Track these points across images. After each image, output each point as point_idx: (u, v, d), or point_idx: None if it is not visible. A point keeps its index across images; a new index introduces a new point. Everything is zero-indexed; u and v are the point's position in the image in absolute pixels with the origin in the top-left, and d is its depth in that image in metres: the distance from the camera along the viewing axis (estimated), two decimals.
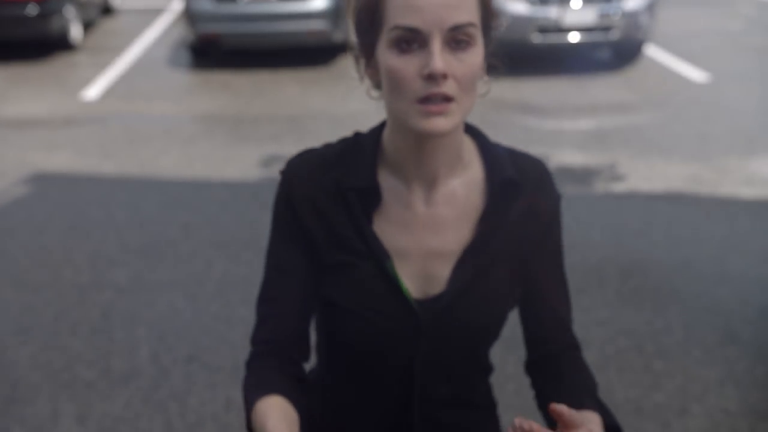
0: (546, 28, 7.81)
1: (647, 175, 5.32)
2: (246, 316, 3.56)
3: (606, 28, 7.84)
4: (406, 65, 1.07)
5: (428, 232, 1.20)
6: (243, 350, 3.22)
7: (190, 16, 8.29)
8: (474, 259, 1.19)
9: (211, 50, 8.67)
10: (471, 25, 1.06)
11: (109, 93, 7.73)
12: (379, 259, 1.18)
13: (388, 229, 1.20)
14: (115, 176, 5.52)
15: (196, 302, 3.76)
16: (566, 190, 5.01)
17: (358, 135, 1.24)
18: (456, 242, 1.20)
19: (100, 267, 4.15)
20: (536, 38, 7.83)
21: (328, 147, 1.23)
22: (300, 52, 8.72)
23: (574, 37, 7.84)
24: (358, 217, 1.18)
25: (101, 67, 8.61)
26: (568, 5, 7.75)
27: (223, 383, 3.13)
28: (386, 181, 1.20)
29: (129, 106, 7.31)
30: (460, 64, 1.07)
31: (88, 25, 10.22)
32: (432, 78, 1.05)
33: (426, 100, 1.07)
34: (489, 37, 1.14)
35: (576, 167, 5.46)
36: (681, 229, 4.48)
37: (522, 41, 7.77)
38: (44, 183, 5.40)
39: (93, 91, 7.74)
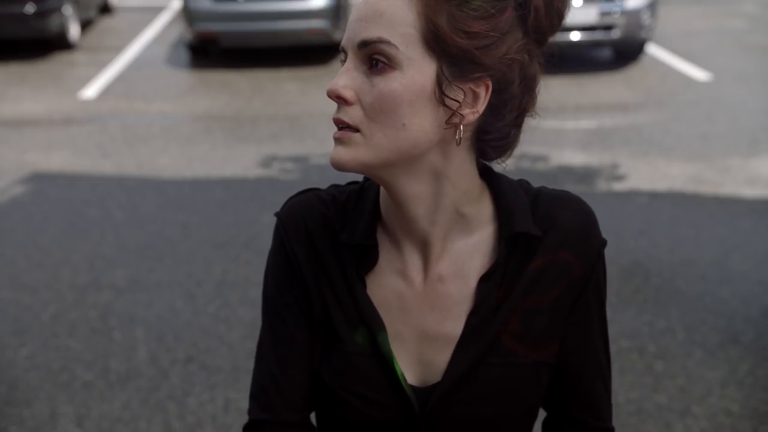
0: None
1: (649, 174, 5.30)
2: (245, 317, 3.53)
3: (607, 27, 7.82)
4: None
5: (425, 310, 1.00)
6: (242, 351, 3.23)
7: (188, 14, 8.26)
8: (476, 340, 0.98)
9: (210, 49, 8.65)
10: (382, 42, 0.88)
11: (108, 92, 7.70)
12: (371, 330, 0.99)
13: (381, 299, 1.00)
14: (113, 176, 5.50)
15: (195, 303, 3.74)
16: (567, 189, 4.98)
17: (366, 181, 1.05)
18: (460, 324, 1.00)
19: (99, 267, 4.13)
20: None
21: (333, 191, 1.06)
22: (300, 51, 8.70)
23: (575, 36, 7.82)
24: (351, 277, 0.99)
25: (99, 66, 8.59)
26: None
27: (222, 384, 3.11)
28: (384, 241, 1.01)
29: (127, 105, 7.28)
30: (370, 89, 0.90)
31: (86, 24, 10.20)
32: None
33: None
34: (451, 62, 0.90)
35: (577, 167, 5.43)
36: (683, 229, 4.46)
37: None
38: (42, 183, 5.37)
39: (91, 91, 7.71)
